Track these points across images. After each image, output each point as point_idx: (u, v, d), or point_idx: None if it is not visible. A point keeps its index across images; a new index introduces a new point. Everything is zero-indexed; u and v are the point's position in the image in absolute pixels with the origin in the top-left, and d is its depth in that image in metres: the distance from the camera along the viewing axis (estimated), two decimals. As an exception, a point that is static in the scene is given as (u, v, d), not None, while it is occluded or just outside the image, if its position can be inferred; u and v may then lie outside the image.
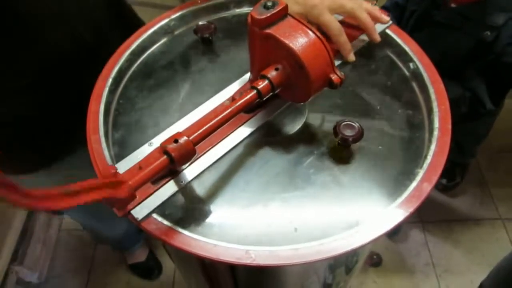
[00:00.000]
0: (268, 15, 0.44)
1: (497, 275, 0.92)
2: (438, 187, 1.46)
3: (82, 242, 1.48)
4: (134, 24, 0.76)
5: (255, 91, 0.45)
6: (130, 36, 0.63)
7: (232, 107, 0.44)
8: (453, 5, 0.92)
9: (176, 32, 0.66)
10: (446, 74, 0.56)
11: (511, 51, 0.88)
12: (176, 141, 0.40)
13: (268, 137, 0.53)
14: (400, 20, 0.65)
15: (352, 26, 0.61)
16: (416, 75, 0.58)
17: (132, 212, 0.44)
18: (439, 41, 0.94)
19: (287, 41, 0.44)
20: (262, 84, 0.46)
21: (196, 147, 0.42)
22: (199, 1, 0.68)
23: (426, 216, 1.38)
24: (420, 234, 1.39)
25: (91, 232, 1.31)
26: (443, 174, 0.48)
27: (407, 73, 0.59)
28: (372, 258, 1.32)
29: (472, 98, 0.98)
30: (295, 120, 0.54)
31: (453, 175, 1.45)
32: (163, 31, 0.65)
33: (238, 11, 0.69)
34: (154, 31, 0.64)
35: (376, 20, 0.60)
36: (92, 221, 1.10)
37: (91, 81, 0.57)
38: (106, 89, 0.56)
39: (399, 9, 1.04)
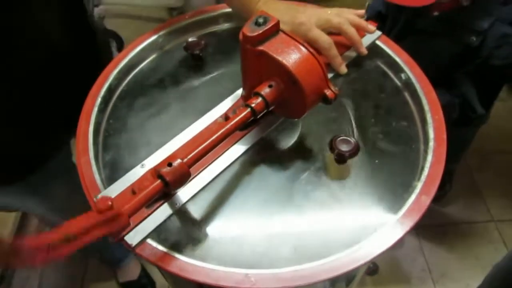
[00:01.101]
0: (260, 32, 0.44)
1: (493, 281, 0.92)
2: None
3: (71, 261, 1.44)
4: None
5: (249, 109, 0.44)
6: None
7: (226, 127, 0.43)
8: (435, 13, 0.92)
9: (166, 48, 0.65)
10: (433, 82, 0.56)
11: (498, 54, 0.89)
12: (170, 164, 0.39)
13: (263, 154, 0.52)
14: (382, 30, 0.65)
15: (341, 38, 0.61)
16: (408, 85, 0.58)
17: (126, 238, 0.43)
18: (424, 50, 0.94)
19: (279, 58, 0.43)
20: (256, 102, 0.45)
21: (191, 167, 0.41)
22: (186, 17, 0.67)
23: (419, 221, 1.38)
24: (415, 239, 1.38)
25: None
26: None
27: (399, 84, 0.59)
28: (368, 266, 1.31)
29: (462, 104, 0.99)
30: (289, 135, 0.53)
31: (442, 183, 1.45)
32: (152, 47, 0.64)
33: (227, 25, 0.69)
34: (142, 47, 0.63)
35: (363, 30, 0.60)
36: None
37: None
38: (96, 109, 0.55)
39: (381, 18, 1.04)
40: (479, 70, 0.94)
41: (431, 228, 1.40)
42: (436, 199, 1.46)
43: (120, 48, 1.71)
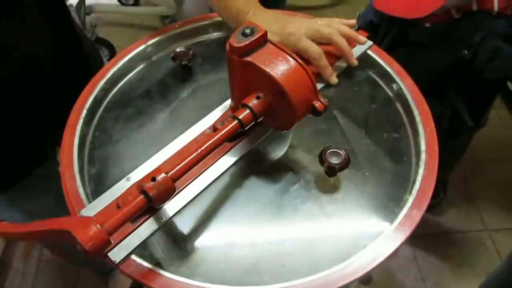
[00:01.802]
0: (247, 42, 0.43)
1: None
2: None
3: (63, 273, 1.42)
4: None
5: (236, 121, 0.43)
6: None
7: (213, 139, 0.42)
8: (427, 24, 0.92)
9: (154, 58, 0.64)
10: (425, 93, 0.56)
11: (490, 68, 0.89)
12: (153, 179, 0.38)
13: (253, 166, 0.51)
14: (373, 40, 0.65)
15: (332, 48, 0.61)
16: (400, 96, 0.57)
17: (109, 254, 0.41)
18: (416, 61, 0.94)
19: (267, 69, 0.43)
20: (243, 114, 0.44)
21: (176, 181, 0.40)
22: (176, 26, 0.66)
23: (411, 235, 1.36)
24: (409, 249, 1.37)
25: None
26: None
27: (390, 94, 0.58)
28: (362, 276, 1.30)
29: (452, 116, 0.99)
30: (279, 147, 0.53)
31: (436, 192, 1.45)
32: (140, 57, 0.63)
33: (216, 34, 0.68)
34: (130, 57, 0.62)
35: (354, 40, 0.59)
36: None
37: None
38: (81, 121, 0.54)
39: (372, 28, 1.04)
40: (471, 83, 0.94)
41: (425, 237, 1.40)
42: (430, 208, 1.45)
43: (112, 56, 1.70)
